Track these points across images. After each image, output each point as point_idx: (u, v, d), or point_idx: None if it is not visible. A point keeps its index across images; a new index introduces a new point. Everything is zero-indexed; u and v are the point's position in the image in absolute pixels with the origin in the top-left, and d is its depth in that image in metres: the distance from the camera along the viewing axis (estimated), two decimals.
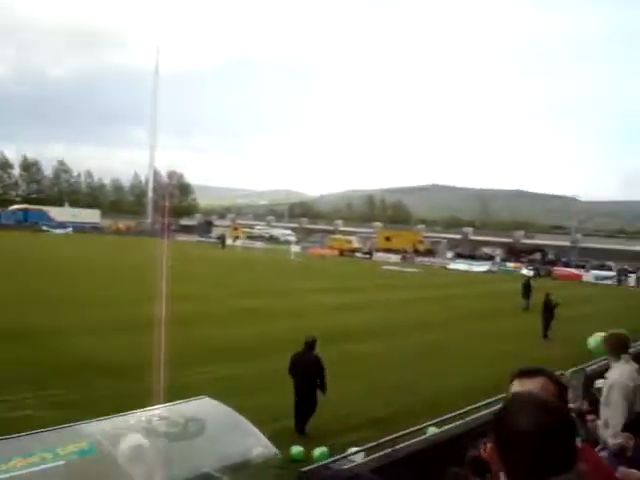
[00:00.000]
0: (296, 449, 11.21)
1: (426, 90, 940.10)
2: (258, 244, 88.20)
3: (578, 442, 2.72)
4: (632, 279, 66.02)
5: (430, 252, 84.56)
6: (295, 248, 76.19)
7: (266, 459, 6.46)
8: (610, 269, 70.66)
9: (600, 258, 76.11)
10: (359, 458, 8.97)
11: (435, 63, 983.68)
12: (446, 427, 10.30)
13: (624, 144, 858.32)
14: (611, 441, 5.68)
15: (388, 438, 9.07)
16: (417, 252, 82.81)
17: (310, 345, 13.48)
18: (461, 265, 73.28)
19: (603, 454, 5.94)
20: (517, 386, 2.62)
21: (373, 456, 8.69)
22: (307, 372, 13.09)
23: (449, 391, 16.19)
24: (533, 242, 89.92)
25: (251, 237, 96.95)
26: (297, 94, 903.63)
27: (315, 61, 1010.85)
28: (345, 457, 9.11)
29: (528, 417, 1.84)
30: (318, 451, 11.13)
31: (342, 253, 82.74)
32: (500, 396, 11.23)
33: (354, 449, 9.69)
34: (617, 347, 6.54)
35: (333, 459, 8.98)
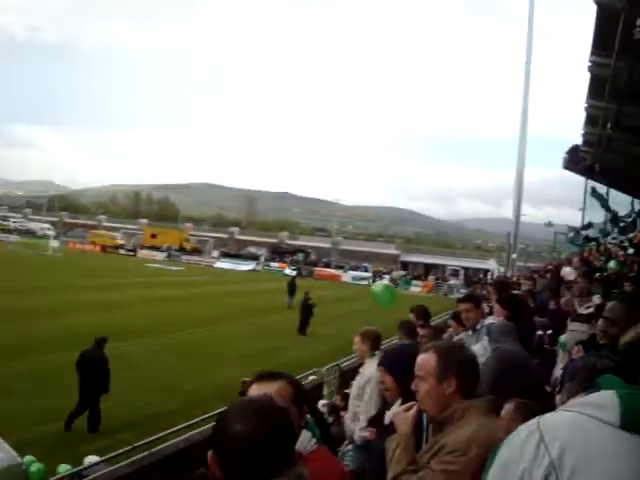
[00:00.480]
0: (33, 466, 9.33)
1: (200, 89, 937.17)
2: (13, 238, 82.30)
3: (312, 443, 2.81)
4: (386, 280, 70.57)
5: (196, 250, 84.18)
6: (54, 243, 72.04)
7: (8, 469, 6.00)
8: (367, 270, 75.03)
9: (359, 260, 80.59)
10: (107, 465, 8.64)
11: (211, 60, 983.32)
12: (201, 428, 10.30)
13: (389, 151, 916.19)
14: (358, 434, 5.93)
15: (144, 441, 8.88)
16: (183, 250, 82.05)
17: (99, 342, 13.38)
18: (227, 264, 73.72)
19: (349, 447, 6.23)
20: (255, 390, 2.63)
21: (127, 461, 8.44)
22: (92, 370, 12.88)
23: (211, 391, 16.20)
24: (297, 243, 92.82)
25: (5, 230, 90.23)
26: (60, 79, 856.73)
27: (82, 44, 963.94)
28: (89, 467, 8.69)
29: (243, 422, 1.84)
30: (63, 469, 10.33)
31: (105, 249, 79.74)
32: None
33: (92, 458, 9.19)
34: (373, 343, 6.87)
35: (77, 469, 8.55)
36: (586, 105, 27.30)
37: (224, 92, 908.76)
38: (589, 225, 34.51)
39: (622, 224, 23.61)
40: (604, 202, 24.26)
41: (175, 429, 10.09)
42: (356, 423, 6.38)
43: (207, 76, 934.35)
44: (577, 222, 42.54)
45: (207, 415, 10.74)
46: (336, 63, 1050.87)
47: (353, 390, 6.89)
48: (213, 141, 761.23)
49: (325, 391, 13.86)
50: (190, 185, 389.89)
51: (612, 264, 14.38)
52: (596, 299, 8.82)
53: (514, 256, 40.88)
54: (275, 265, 76.26)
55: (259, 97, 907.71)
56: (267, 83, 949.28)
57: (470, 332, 6.92)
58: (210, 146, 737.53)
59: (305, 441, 2.75)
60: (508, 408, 4.30)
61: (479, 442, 2.67)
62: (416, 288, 67.80)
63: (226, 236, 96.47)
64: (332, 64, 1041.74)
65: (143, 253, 79.29)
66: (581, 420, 1.66)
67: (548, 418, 1.73)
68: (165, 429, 10.23)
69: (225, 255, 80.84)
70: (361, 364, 7.02)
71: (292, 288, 36.25)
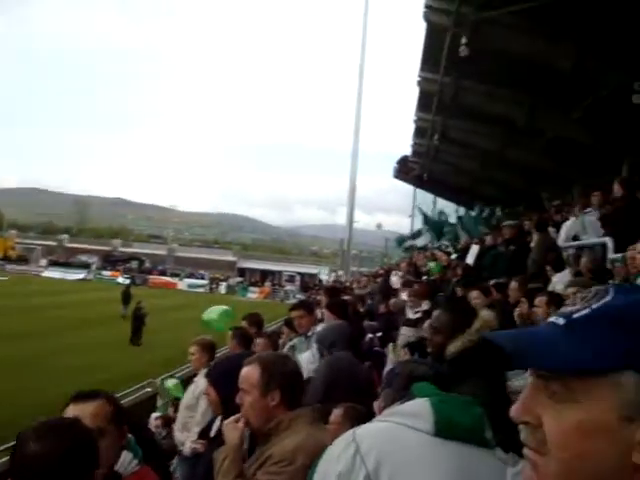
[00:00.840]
0: None
1: (26, 85, 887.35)
2: None
3: (134, 464, 2.71)
4: (223, 287, 70.29)
5: (23, 259, 79.72)
6: None
7: None
8: (203, 277, 74.28)
9: (195, 267, 79.60)
10: None
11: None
12: None
13: (226, 157, 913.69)
14: (190, 445, 5.81)
15: None
16: (8, 259, 77.39)
17: None
18: (56, 273, 70.16)
19: (175, 461, 6.11)
20: (71, 411, 2.54)
21: None
22: None
23: (35, 409, 15.26)
24: (131, 250, 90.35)
25: None
26: None
27: None
28: None
29: (39, 442, 1.80)
30: None
31: None
32: None
33: None
34: (210, 353, 6.76)
35: None
36: (415, 118, 28.65)
37: (52, 90, 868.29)
38: (419, 233, 36.17)
39: (447, 235, 24.94)
40: (434, 225, 25.64)
41: None
42: (185, 434, 6.26)
43: (33, 71, 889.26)
44: (407, 228, 44.55)
45: None
46: (172, 68, 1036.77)
47: (185, 400, 6.75)
48: (41, 143, 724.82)
49: (159, 403, 13.52)
50: (16, 190, 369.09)
51: (432, 265, 15.04)
52: (425, 305, 9.17)
53: (337, 273, 42.25)
54: (107, 273, 73.58)
55: (89, 97, 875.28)
56: (97, 83, 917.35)
57: (303, 338, 6.99)
58: (38, 148, 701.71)
59: (126, 462, 2.65)
60: (336, 413, 4.35)
61: (306, 452, 2.67)
62: (253, 294, 67.99)
63: (55, 244, 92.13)
64: (168, 69, 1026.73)
65: None
66: (396, 430, 1.68)
67: (364, 429, 1.74)
68: None
69: (54, 264, 76.85)
70: (196, 374, 6.89)
71: (126, 297, 35.25)
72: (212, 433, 4.33)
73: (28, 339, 25.38)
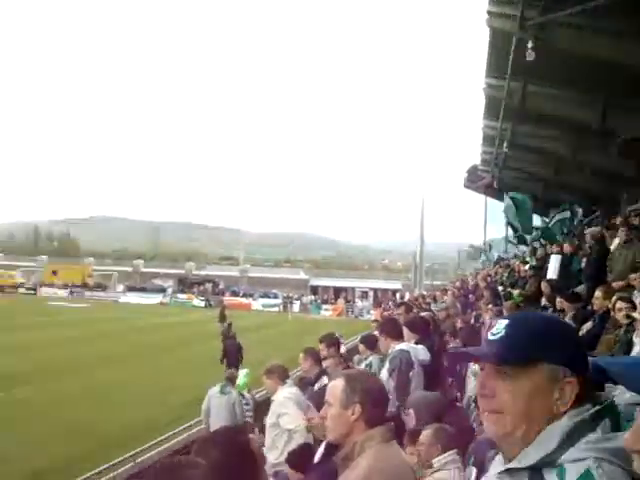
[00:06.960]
0: None
1: (93, 115, 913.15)
2: None
3: None
4: (297, 305, 70.47)
5: (100, 286, 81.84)
6: None
7: None
8: (276, 297, 74.55)
9: (267, 287, 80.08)
10: None
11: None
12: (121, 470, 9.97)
13: (291, 173, 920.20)
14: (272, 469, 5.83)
15: None
16: (86, 286, 79.65)
17: None
18: (133, 298, 71.80)
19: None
20: None
21: None
22: None
23: (126, 432, 15.58)
24: (204, 273, 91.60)
25: None
26: None
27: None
28: None
29: None
30: None
31: (2, 289, 76.17)
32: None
33: None
34: (280, 375, 7.00)
35: None
36: (482, 125, 28.26)
37: (119, 120, 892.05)
38: (490, 246, 35.76)
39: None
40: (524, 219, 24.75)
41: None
42: (274, 452, 6.40)
43: (99, 100, 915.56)
44: (477, 237, 43.96)
45: (121, 458, 10.32)
46: (223, 84, 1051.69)
47: (269, 419, 6.85)
48: (108, 172, 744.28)
49: None
50: (90, 219, 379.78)
51: (515, 295, 14.00)
52: None
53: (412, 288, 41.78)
54: (183, 297, 74.53)
55: (150, 127, 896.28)
56: (154, 112, 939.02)
57: (379, 357, 6.97)
58: (105, 177, 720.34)
59: None
60: (427, 433, 4.31)
61: (379, 473, 2.72)
62: (326, 312, 67.95)
63: (130, 269, 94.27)
64: (220, 86, 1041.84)
65: (44, 291, 76.36)
66: None
67: None
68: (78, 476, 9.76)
69: (130, 289, 78.70)
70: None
71: (222, 316, 36.19)
72: (317, 459, 4.33)
73: (114, 364, 25.92)
